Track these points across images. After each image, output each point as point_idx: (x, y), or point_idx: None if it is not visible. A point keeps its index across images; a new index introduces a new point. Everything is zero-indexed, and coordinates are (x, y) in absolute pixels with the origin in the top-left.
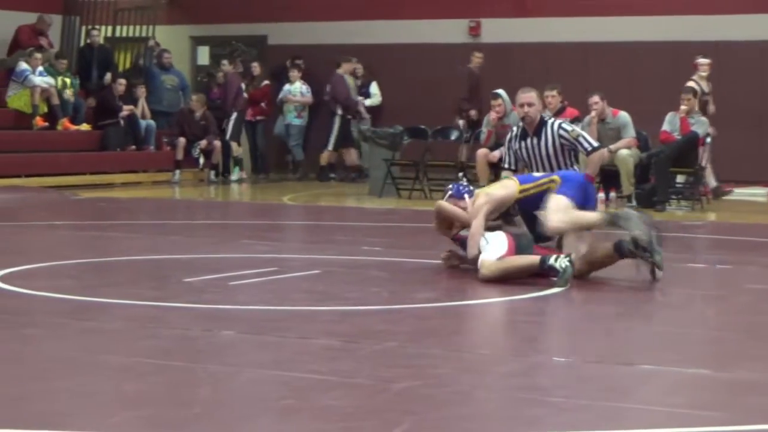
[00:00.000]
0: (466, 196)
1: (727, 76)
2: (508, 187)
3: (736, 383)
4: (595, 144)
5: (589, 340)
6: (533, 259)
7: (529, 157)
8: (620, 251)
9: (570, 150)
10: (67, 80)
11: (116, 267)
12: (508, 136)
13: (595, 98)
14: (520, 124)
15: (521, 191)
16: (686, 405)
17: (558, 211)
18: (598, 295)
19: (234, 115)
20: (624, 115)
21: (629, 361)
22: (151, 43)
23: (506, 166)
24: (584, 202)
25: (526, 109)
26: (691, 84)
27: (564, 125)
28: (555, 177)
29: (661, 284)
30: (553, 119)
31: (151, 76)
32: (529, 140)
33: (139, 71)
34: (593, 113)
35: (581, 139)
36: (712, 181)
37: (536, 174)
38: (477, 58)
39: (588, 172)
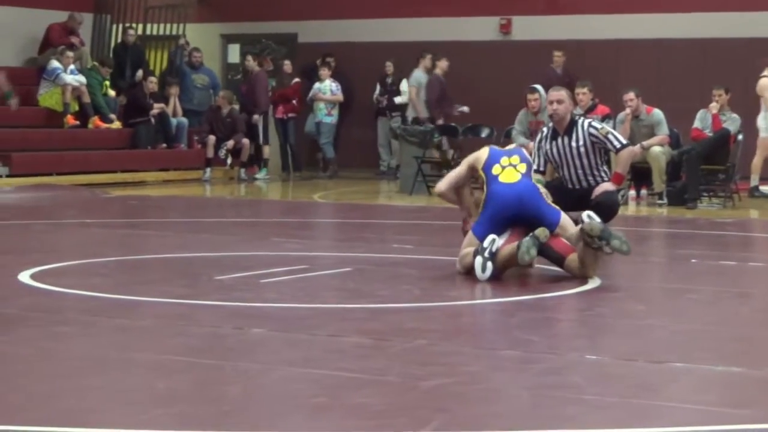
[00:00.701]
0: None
1: (757, 73)
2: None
3: None
4: (624, 141)
5: (620, 337)
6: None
7: (560, 157)
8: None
9: (600, 149)
10: (107, 82)
11: (147, 265)
12: (538, 137)
13: (631, 95)
14: (550, 124)
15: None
16: (717, 403)
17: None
18: (628, 292)
19: (261, 116)
20: (658, 113)
21: (660, 359)
22: (181, 41)
23: (535, 168)
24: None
25: (555, 106)
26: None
27: (594, 123)
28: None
29: (691, 281)
30: (583, 118)
31: (182, 75)
32: (560, 140)
33: (173, 70)
34: (628, 110)
35: (610, 137)
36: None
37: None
38: (558, 57)
39: (618, 171)
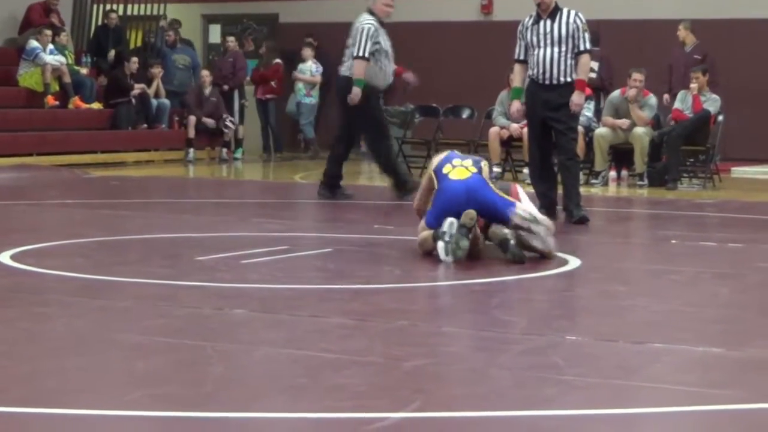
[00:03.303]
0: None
1: (738, 54)
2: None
3: (748, 361)
4: (590, 47)
5: (600, 318)
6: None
7: (538, 40)
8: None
9: (575, 43)
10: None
11: (128, 245)
12: (520, 27)
13: (640, 76)
14: (533, 13)
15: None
16: (698, 383)
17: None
18: (609, 273)
19: (236, 95)
20: (653, 97)
21: (640, 339)
22: (162, 23)
23: (516, 57)
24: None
25: None
26: None
27: (581, 15)
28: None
29: (672, 262)
30: (568, 8)
31: (163, 56)
32: (542, 23)
33: (151, 50)
34: (633, 90)
35: (586, 35)
36: None
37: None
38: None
39: (580, 77)
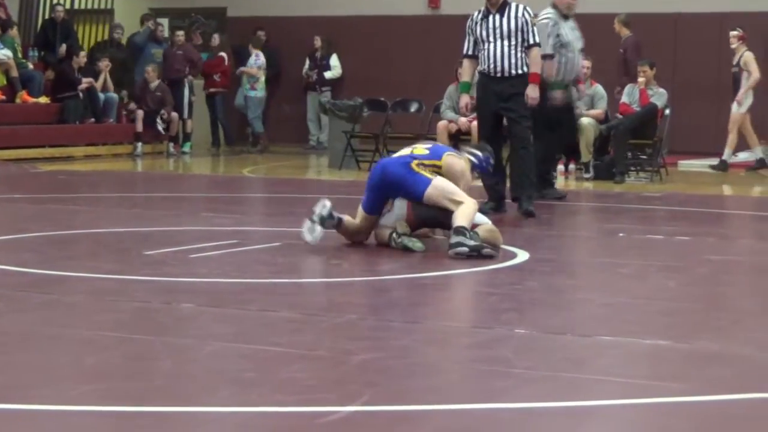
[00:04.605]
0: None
1: (685, 48)
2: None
3: (695, 354)
4: (538, 40)
5: (549, 311)
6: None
7: (487, 34)
8: None
9: (524, 37)
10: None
11: (76, 240)
12: (468, 22)
13: (587, 63)
14: (481, 8)
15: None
16: (645, 376)
17: None
18: (557, 266)
19: (186, 89)
20: (600, 87)
21: (588, 332)
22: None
23: (465, 52)
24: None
25: None
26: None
27: (529, 10)
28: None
29: (619, 255)
30: (516, 3)
31: (140, 49)
32: (491, 18)
33: (105, 46)
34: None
35: (534, 29)
36: (759, 153)
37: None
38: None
39: (534, 71)
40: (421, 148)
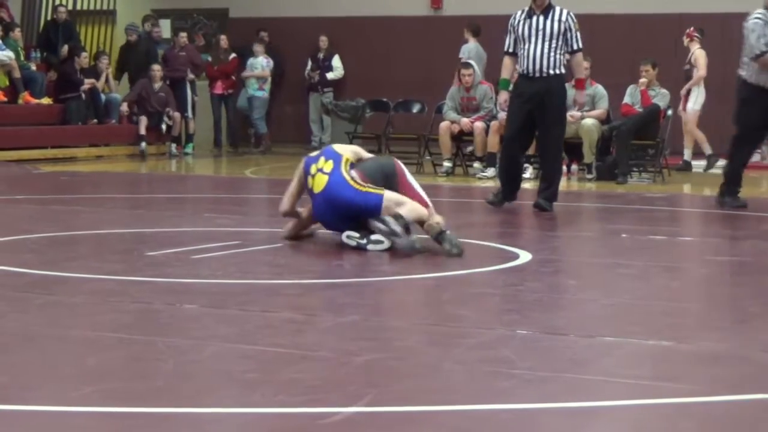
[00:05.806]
0: None
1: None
2: None
3: (699, 354)
4: (581, 45)
5: (551, 312)
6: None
7: (530, 34)
8: None
9: (565, 41)
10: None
11: (78, 241)
12: (510, 21)
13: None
14: (526, 8)
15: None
16: (648, 376)
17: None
18: (559, 267)
19: (189, 90)
20: (601, 86)
21: (591, 333)
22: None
23: (505, 50)
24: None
25: None
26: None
27: (573, 15)
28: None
29: (622, 256)
30: (561, 7)
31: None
32: (534, 18)
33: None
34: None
35: (578, 35)
36: (707, 149)
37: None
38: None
39: (579, 77)
40: (321, 162)
